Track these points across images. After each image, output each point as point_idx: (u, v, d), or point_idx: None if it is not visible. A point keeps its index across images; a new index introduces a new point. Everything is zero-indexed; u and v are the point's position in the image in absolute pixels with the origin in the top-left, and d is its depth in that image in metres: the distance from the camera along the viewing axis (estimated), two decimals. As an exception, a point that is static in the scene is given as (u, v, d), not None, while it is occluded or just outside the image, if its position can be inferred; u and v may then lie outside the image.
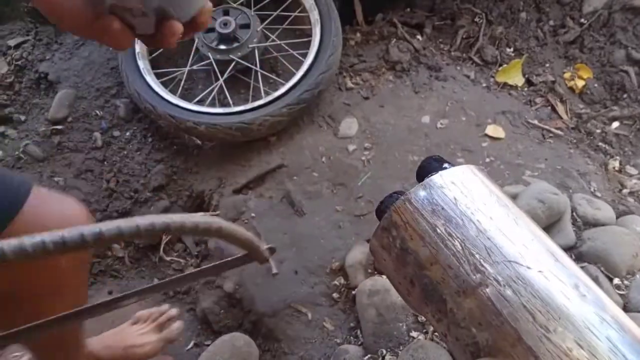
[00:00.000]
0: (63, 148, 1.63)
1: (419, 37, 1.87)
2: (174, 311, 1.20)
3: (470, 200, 0.49)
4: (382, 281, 1.14)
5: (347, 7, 1.97)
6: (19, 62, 1.81)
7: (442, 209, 0.49)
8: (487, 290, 0.44)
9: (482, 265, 0.45)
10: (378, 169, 1.39)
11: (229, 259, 0.47)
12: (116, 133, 1.64)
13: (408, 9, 2.00)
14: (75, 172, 1.60)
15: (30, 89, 1.77)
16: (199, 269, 0.37)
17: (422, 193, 0.51)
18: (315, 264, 1.26)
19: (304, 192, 1.40)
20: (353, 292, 1.20)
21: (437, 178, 0.51)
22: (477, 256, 0.46)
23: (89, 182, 1.59)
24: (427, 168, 0.55)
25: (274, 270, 0.49)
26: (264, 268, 1.25)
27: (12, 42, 1.87)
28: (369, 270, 1.21)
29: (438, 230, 0.48)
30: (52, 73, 1.75)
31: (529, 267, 0.44)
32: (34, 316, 0.47)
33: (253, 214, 1.38)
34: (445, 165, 0.55)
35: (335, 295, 1.24)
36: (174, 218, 0.32)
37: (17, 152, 1.64)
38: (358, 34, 1.91)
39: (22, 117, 1.73)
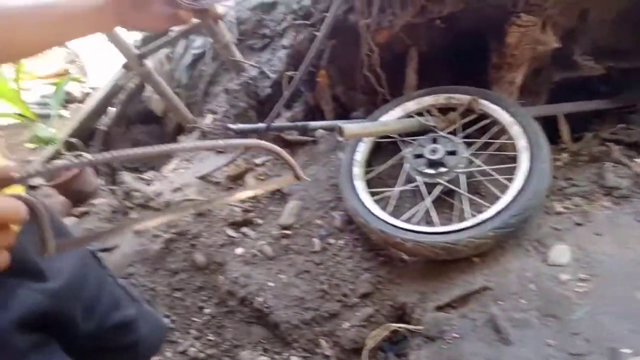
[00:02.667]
0: (289, 250, 1.94)
1: (637, 159, 1.76)
2: None
3: None
4: None
5: (551, 125, 1.98)
6: (262, 177, 2.26)
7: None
8: None
9: None
10: (597, 304, 1.30)
11: (279, 178, 0.63)
12: (331, 240, 1.88)
13: (621, 125, 1.91)
14: (296, 271, 1.87)
15: (268, 199, 2.18)
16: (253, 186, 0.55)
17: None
18: (523, 400, 1.20)
19: (509, 318, 1.37)
20: None
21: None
22: None
23: (306, 281, 1.83)
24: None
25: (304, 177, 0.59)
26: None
27: (258, 161, 2.36)
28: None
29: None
30: (285, 187, 2.14)
31: None
32: None
33: (455, 334, 1.41)
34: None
35: None
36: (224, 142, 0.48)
37: (253, 250, 2.00)
38: (565, 154, 1.88)
39: (260, 221, 2.13)
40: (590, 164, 1.81)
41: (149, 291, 2.12)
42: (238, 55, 2.64)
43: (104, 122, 3.79)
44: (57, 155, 3.20)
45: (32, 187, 3.42)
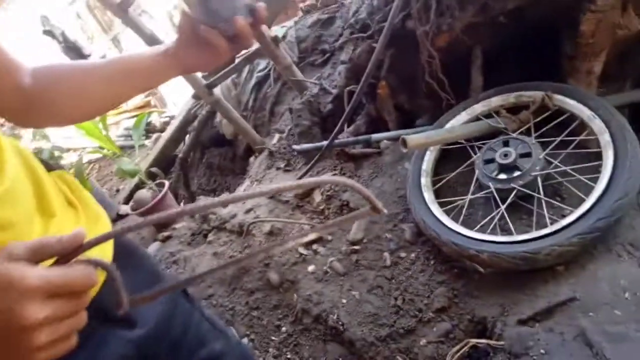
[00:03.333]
0: (359, 265, 1.91)
1: None
2: None
3: None
4: None
5: (638, 111, 1.80)
6: (329, 193, 2.26)
7: None
8: None
9: None
10: None
11: (354, 212, 0.60)
12: (402, 254, 1.83)
13: None
14: (367, 287, 1.84)
15: (336, 214, 2.18)
16: (330, 221, 0.49)
17: None
18: None
19: (603, 332, 1.25)
20: None
21: None
22: None
23: (379, 297, 1.80)
24: None
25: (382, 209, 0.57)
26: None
27: (324, 177, 2.37)
28: None
29: None
30: (352, 201, 2.12)
31: None
32: None
33: (542, 350, 1.30)
34: None
35: None
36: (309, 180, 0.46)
37: (324, 267, 2.00)
38: (659, 145, 1.70)
39: (330, 237, 2.13)
40: (690, 154, 1.62)
41: (228, 311, 2.19)
42: (299, 75, 2.69)
43: (181, 149, 4.04)
44: (140, 184, 3.43)
45: (121, 216, 3.71)
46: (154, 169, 3.39)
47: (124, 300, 0.50)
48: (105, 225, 0.76)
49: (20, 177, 0.61)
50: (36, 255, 0.45)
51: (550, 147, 1.62)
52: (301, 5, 3.60)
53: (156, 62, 0.79)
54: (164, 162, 4.03)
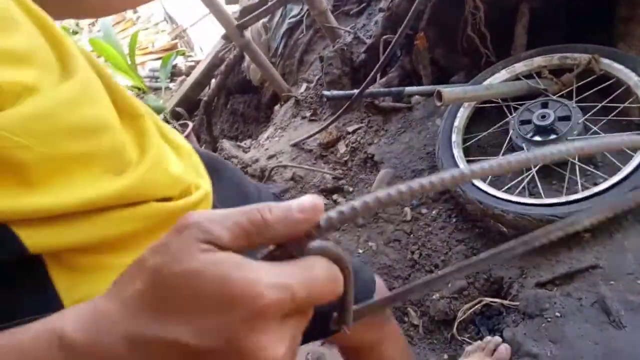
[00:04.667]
0: (378, 218, 1.91)
1: None
2: (498, 339, 1.35)
3: None
4: None
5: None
6: (354, 145, 2.24)
7: None
8: None
9: None
10: None
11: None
12: (424, 210, 1.82)
13: None
14: (385, 240, 1.84)
15: (359, 166, 2.17)
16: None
17: None
18: (638, 390, 1.08)
19: (624, 300, 1.23)
20: None
21: None
22: None
23: (396, 250, 1.80)
24: None
25: None
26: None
27: (350, 129, 2.34)
28: None
29: None
30: (377, 155, 2.10)
31: None
32: None
33: (558, 314, 1.30)
34: None
35: None
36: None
37: (343, 217, 2.00)
38: None
39: (351, 189, 2.12)
40: None
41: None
42: (333, 22, 2.61)
43: (206, 93, 4.01)
44: (165, 122, 3.44)
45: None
46: (178, 109, 3.39)
47: (349, 316, 0.34)
48: (197, 163, 0.63)
49: (93, 77, 0.48)
50: (248, 239, 0.28)
51: (591, 113, 1.56)
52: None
53: None
54: (188, 104, 4.02)
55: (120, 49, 3.53)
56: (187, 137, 3.10)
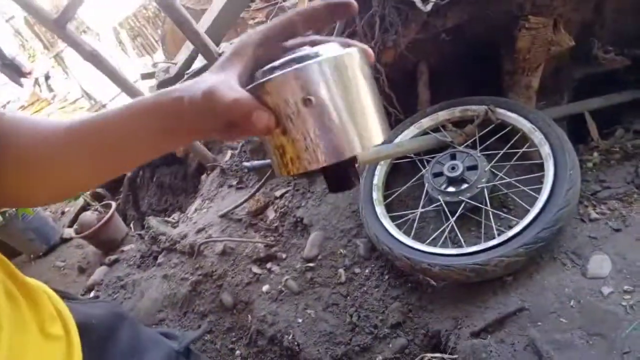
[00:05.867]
0: (314, 283, 1.88)
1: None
2: None
3: None
4: None
5: (577, 123, 1.88)
6: (282, 209, 2.23)
7: None
8: None
9: None
10: (646, 318, 1.19)
11: None
12: (357, 270, 1.82)
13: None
14: (323, 305, 1.81)
15: (290, 231, 2.15)
16: None
17: None
18: None
19: (551, 340, 1.27)
20: None
21: None
22: None
23: (335, 315, 1.77)
24: None
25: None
26: None
27: (277, 193, 2.33)
28: None
29: None
30: (306, 217, 2.10)
31: None
32: None
33: (494, 362, 1.31)
34: None
35: None
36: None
37: (279, 286, 1.95)
38: (595, 154, 1.78)
39: (284, 255, 2.09)
40: (624, 162, 1.71)
41: (180, 336, 2.10)
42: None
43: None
44: (86, 206, 3.27)
45: (65, 240, 3.51)
46: (100, 190, 3.24)
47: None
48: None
49: None
50: None
51: (495, 160, 1.67)
52: (250, 22, 3.57)
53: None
54: (111, 182, 3.86)
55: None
56: (109, 219, 2.95)
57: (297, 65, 0.39)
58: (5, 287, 0.49)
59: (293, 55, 0.40)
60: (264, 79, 0.40)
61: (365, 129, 0.41)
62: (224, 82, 0.43)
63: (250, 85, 0.43)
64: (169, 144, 0.51)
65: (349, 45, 0.45)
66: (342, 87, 0.40)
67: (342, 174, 0.43)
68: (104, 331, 0.63)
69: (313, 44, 0.45)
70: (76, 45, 2.23)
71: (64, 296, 0.61)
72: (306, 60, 0.39)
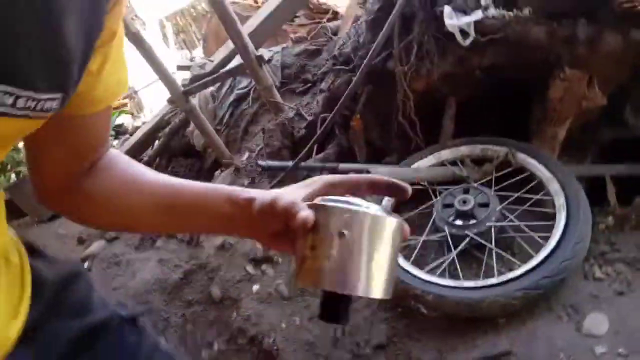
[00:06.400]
0: (304, 292, 1.86)
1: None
2: None
3: None
4: None
5: (597, 186, 1.86)
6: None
7: None
8: None
9: None
10: (636, 384, 1.15)
11: None
12: (350, 287, 1.80)
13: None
14: (310, 314, 1.78)
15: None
16: None
17: None
18: None
19: (534, 390, 1.24)
20: None
21: None
22: None
23: (320, 326, 1.73)
24: None
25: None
26: None
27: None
28: None
29: None
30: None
31: None
32: None
33: (472, 402, 1.27)
34: None
35: None
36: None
37: (270, 289, 1.94)
38: (610, 218, 1.75)
39: (280, 260, 2.07)
40: (637, 230, 1.67)
41: (162, 321, 2.08)
42: (278, 97, 2.70)
43: (148, 154, 3.94)
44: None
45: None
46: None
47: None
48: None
49: None
50: None
51: (508, 202, 1.65)
52: (292, 35, 3.66)
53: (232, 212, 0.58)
54: (127, 163, 3.91)
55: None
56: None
57: (348, 207, 0.47)
58: None
59: (350, 199, 0.49)
60: (321, 202, 0.49)
61: (374, 280, 0.47)
62: (291, 193, 0.53)
63: (309, 202, 0.51)
64: (223, 228, 0.64)
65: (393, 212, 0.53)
66: (372, 239, 0.47)
67: (337, 307, 0.49)
68: (58, 285, 0.61)
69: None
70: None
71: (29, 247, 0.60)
72: (357, 207, 0.47)
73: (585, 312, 1.38)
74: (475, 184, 1.73)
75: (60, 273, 0.64)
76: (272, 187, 2.26)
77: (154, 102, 5.84)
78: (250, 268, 2.05)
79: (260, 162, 2.20)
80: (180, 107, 2.95)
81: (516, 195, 1.66)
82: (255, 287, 1.94)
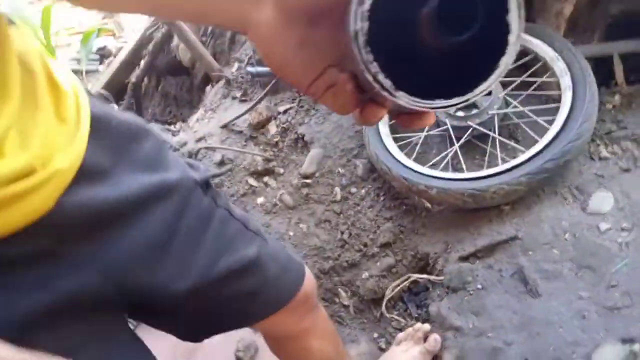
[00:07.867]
0: (309, 199, 1.87)
1: (703, 100, 1.55)
2: (427, 326, 1.35)
3: None
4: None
5: (603, 66, 1.77)
6: (285, 125, 2.17)
7: None
8: None
9: None
10: (640, 256, 1.17)
11: None
12: (353, 190, 1.80)
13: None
14: (316, 221, 1.80)
15: (290, 147, 2.11)
16: None
17: None
18: (551, 356, 1.11)
19: (540, 270, 1.26)
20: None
21: None
22: None
23: (326, 231, 1.77)
24: None
25: None
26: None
27: (281, 109, 2.27)
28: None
29: None
30: (308, 135, 2.05)
31: None
32: None
33: (479, 286, 1.31)
34: None
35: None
36: None
37: (274, 199, 1.94)
38: (617, 97, 1.69)
39: (281, 170, 2.06)
40: (645, 107, 1.62)
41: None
42: None
43: (136, 75, 3.79)
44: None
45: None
46: (104, 92, 3.18)
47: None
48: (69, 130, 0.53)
49: None
50: None
51: (511, 87, 1.58)
52: None
53: None
54: (116, 87, 3.78)
55: (34, 28, 3.24)
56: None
57: None
58: (22, 60, 0.47)
59: None
60: None
61: None
62: None
63: None
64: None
65: None
66: None
67: None
68: (123, 138, 0.60)
69: None
70: None
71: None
72: None
73: (591, 191, 1.37)
74: (476, 72, 1.64)
75: (127, 125, 0.62)
76: (263, 96, 2.19)
77: (135, 21, 5.51)
78: (252, 181, 2.04)
79: (249, 69, 2.10)
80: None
81: (519, 79, 1.58)
82: (260, 200, 1.95)
